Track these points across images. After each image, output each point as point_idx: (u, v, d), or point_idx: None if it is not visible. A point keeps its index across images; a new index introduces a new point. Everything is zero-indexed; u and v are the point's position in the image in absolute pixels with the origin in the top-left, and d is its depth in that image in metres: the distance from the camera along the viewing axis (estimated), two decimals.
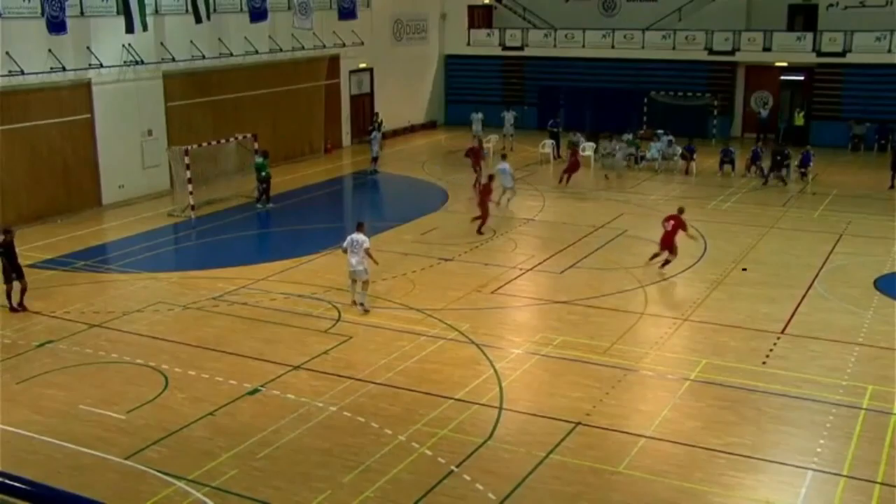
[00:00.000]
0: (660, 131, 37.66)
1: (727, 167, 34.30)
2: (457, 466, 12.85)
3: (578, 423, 14.18)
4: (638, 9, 46.38)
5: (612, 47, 45.12)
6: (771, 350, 17.25)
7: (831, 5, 43.59)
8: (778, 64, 43.35)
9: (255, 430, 13.92)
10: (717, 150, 35.53)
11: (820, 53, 41.78)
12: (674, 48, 43.98)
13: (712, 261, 23.21)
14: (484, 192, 26.28)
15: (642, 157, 36.04)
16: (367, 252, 18.94)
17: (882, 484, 12.54)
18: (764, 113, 42.90)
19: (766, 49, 42.72)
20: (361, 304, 19.10)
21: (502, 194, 28.24)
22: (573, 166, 31.87)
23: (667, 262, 22.31)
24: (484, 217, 25.71)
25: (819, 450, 13.51)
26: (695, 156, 35.07)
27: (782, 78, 43.82)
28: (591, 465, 12.96)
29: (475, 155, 32.12)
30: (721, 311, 19.54)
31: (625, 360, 16.68)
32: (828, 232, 25.98)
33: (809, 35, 42.28)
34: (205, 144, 29.29)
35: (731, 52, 43.27)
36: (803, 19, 44.19)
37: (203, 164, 29.21)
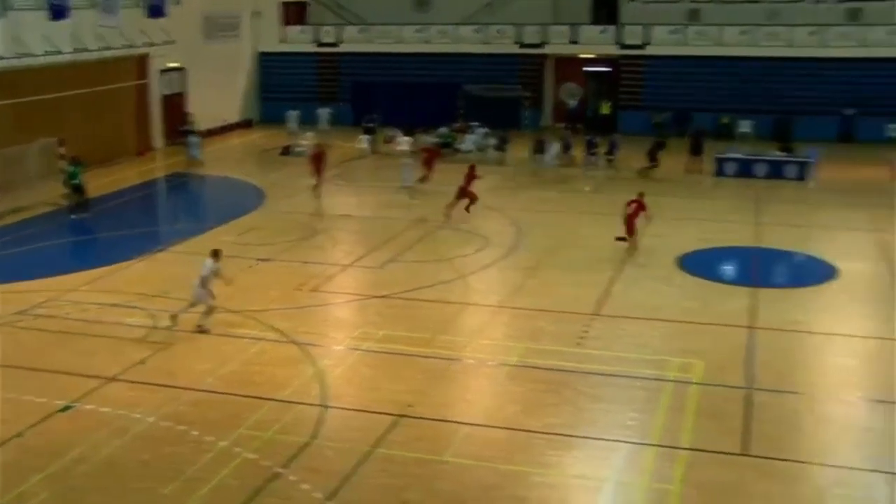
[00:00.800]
0: (475, 123, 38.42)
1: (539, 156, 35.36)
2: (282, 468, 12.79)
3: (403, 416, 14.35)
4: (450, 3, 47.06)
5: (427, 42, 45.69)
6: (585, 332, 17.94)
7: (632, 0, 45.58)
8: (584, 56, 44.98)
9: (69, 448, 13.40)
10: (530, 141, 36.56)
11: (622, 46, 43.64)
12: (486, 42, 44.94)
13: (528, 248, 23.90)
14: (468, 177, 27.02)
15: (458, 150, 36.69)
16: (204, 280, 17.79)
17: (687, 449, 13.30)
18: (572, 103, 44.42)
19: (573, 42, 44.28)
20: (200, 326, 17.99)
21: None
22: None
23: (622, 238, 23.44)
24: (472, 198, 26.54)
25: (630, 423, 14.18)
26: (508, 146, 36.04)
27: (589, 69, 45.49)
28: (417, 457, 13.15)
29: (318, 160, 30.67)
30: (538, 296, 20.17)
31: (446, 350, 16.98)
32: None
33: (612, 28, 44.10)
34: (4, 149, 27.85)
35: (540, 46, 44.59)
36: (606, 13, 45.99)
37: (5, 170, 27.77)
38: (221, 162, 37.14)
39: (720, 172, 33.35)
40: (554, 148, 33.58)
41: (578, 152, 35.34)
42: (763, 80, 41.38)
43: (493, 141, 36.70)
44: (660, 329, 18.11)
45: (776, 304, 19.75)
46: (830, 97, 40.47)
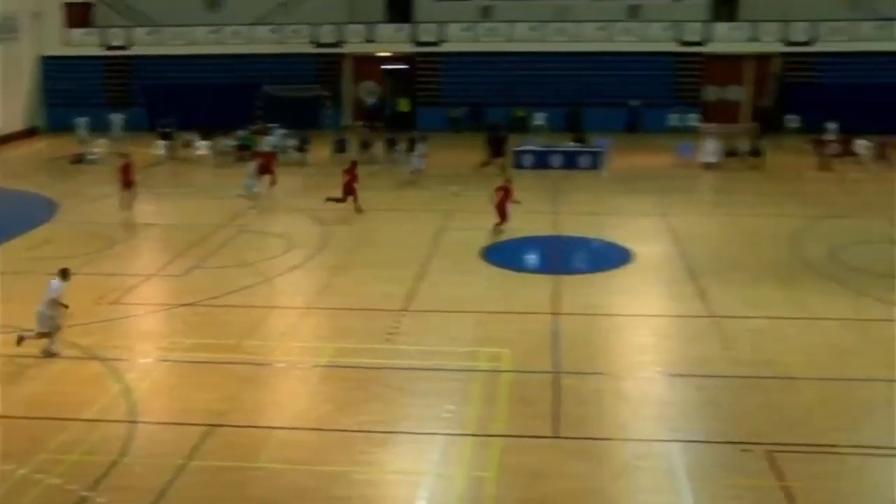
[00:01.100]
0: (273, 125, 37.99)
1: (340, 155, 35.35)
2: (89, 490, 12.21)
3: (214, 425, 14.01)
4: (243, 3, 46.29)
5: (221, 43, 44.78)
6: (395, 327, 18.05)
7: None
8: (381, 54, 45.29)
9: None
10: (331, 140, 36.48)
11: (418, 43, 44.21)
12: (282, 42, 44.49)
13: (333, 247, 23.86)
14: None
15: (257, 152, 36.11)
16: (53, 301, 16.61)
17: (501, 436, 13.62)
18: (372, 101, 44.65)
19: (370, 40, 44.49)
20: (46, 351, 16.78)
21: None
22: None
23: (498, 225, 24.65)
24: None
25: (446, 415, 14.38)
26: (309, 146, 35.86)
27: (387, 67, 45.84)
28: (231, 465, 12.87)
29: (126, 171, 28.59)
30: (346, 295, 20.15)
31: (256, 355, 16.70)
32: (439, 210, 27.62)
33: (407, 26, 44.59)
34: None
35: (337, 45, 44.59)
36: (401, 11, 46.46)
37: None
38: (4, 173, 35.09)
39: (517, 164, 34.30)
40: (420, 148, 33.31)
41: (379, 149, 35.54)
42: (554, 74, 42.91)
43: (293, 142, 36.38)
44: (468, 321, 18.46)
45: (577, 289, 20.52)
46: (617, 89, 42.45)
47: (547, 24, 43.79)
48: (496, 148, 34.38)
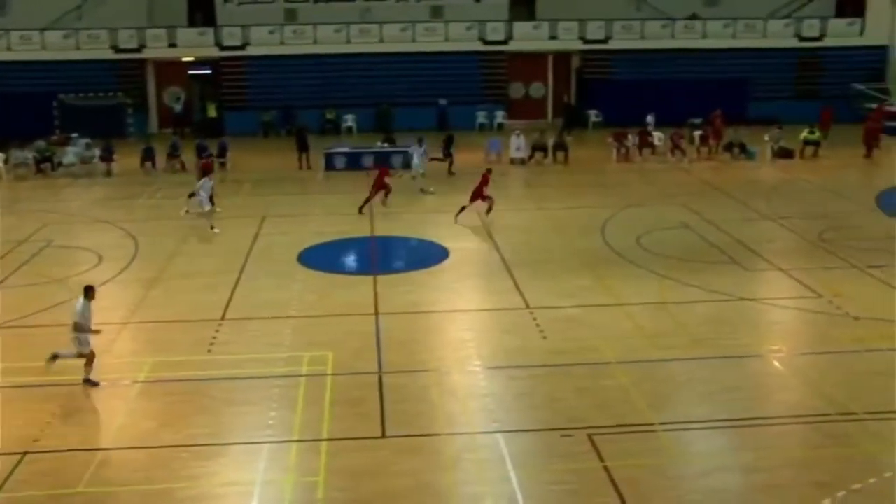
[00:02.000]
0: (74, 135, 36.42)
1: (148, 164, 34.31)
2: None
3: (26, 452, 13.34)
4: (31, 7, 43.96)
5: (8, 49, 42.52)
6: (214, 337, 17.71)
7: (227, 1, 45.41)
8: (185, 59, 44.19)
9: None
10: (139, 149, 35.33)
11: (222, 47, 43.40)
12: (78, 48, 42.70)
13: (146, 259, 23.13)
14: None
15: (59, 164, 34.61)
16: (74, 325, 15.55)
17: (328, 440, 13.62)
18: (178, 107, 43.51)
19: (172, 45, 43.33)
20: (87, 380, 15.71)
21: None
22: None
23: (489, 209, 26.15)
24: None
25: (271, 422, 14.24)
26: (115, 156, 34.60)
27: (191, 72, 44.77)
28: (49, 493, 12.29)
29: None
30: (163, 307, 19.60)
31: (68, 376, 15.94)
32: (252, 215, 27.24)
33: (211, 30, 43.70)
34: None
35: (138, 50, 43.20)
36: (203, 15, 45.47)
37: None
38: None
39: (329, 167, 34.25)
40: (418, 152, 32.13)
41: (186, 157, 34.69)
42: (362, 75, 43.08)
43: (97, 151, 35.00)
44: (288, 326, 18.31)
45: (397, 288, 20.72)
46: (425, 88, 43.06)
47: (351, 26, 43.86)
48: (302, 146, 34.30)
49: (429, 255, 23.36)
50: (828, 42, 45.53)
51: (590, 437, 13.64)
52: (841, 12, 47.00)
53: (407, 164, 34.19)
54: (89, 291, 15.88)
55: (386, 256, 23.96)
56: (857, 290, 20.37)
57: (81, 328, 15.54)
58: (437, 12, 45.47)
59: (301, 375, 15.93)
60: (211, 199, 26.66)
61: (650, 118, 38.42)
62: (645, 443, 13.58)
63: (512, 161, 35.31)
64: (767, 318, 19.22)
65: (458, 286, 21.15)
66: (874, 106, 40.93)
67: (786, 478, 12.64)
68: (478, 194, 26.44)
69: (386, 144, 35.91)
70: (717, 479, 12.63)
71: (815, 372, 16.06)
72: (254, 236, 25.00)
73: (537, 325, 18.37)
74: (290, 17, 45.16)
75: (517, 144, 35.62)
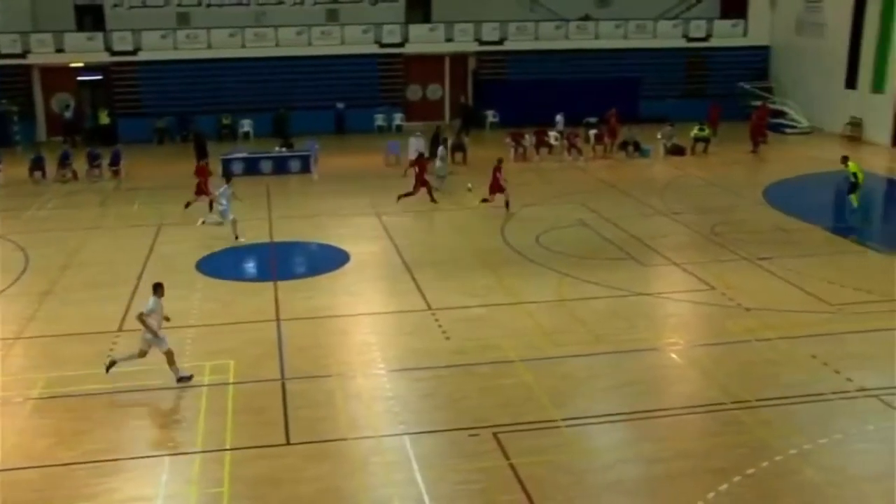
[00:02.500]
0: None
1: (37, 173, 33.32)
2: None
3: None
4: None
5: None
6: (111, 350, 17.27)
7: (116, 5, 44.40)
8: (74, 65, 43.03)
9: None
10: (27, 158, 34.29)
11: (113, 52, 42.41)
12: None
13: (38, 272, 22.45)
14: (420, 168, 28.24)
15: None
16: (139, 315, 15.65)
17: (232, 450, 13.46)
18: (68, 114, 42.33)
19: (59, 50, 42.13)
20: (181, 377, 15.80)
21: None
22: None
23: (506, 202, 27.25)
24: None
25: (173, 434, 14.03)
26: (1, 165, 33.54)
27: (80, 78, 43.61)
28: None
29: None
30: (56, 321, 19.07)
31: None
32: (148, 225, 26.69)
33: (100, 35, 42.66)
34: None
35: (23, 55, 41.86)
36: (92, 19, 44.36)
37: None
38: None
39: (227, 173, 33.72)
40: (441, 151, 32.34)
41: (80, 165, 33.80)
42: (258, 79, 42.61)
43: None
44: (188, 335, 17.99)
45: (298, 294, 20.57)
46: (323, 92, 42.83)
47: (246, 30, 43.32)
48: (200, 152, 33.73)
49: (329, 259, 23.26)
50: (714, 42, 46.86)
51: (495, 435, 13.79)
52: (725, 14, 48.41)
53: (306, 169, 34.04)
54: (158, 288, 15.97)
55: (286, 262, 23.74)
56: (748, 281, 21.05)
57: (147, 325, 15.51)
58: (332, 15, 45.28)
59: (202, 385, 15.70)
60: (211, 205, 26.60)
61: (559, 118, 38.99)
62: (549, 439, 13.80)
63: (411, 163, 35.32)
64: (664, 312, 19.70)
65: (360, 289, 21.12)
66: (759, 104, 42.29)
67: (685, 466, 13.00)
68: (496, 187, 27.60)
69: (284, 149, 35.60)
70: (619, 471, 12.92)
71: (710, 363, 16.53)
72: (150, 246, 24.50)
73: (440, 325, 18.48)
74: (183, 20, 44.36)
75: (416, 146, 35.66)
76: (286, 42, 43.20)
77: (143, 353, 15.82)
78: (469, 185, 30.33)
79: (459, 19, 44.97)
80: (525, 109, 41.23)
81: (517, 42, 44.99)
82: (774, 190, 30.59)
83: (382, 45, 44.00)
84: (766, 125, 39.02)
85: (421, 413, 14.79)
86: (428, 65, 45.50)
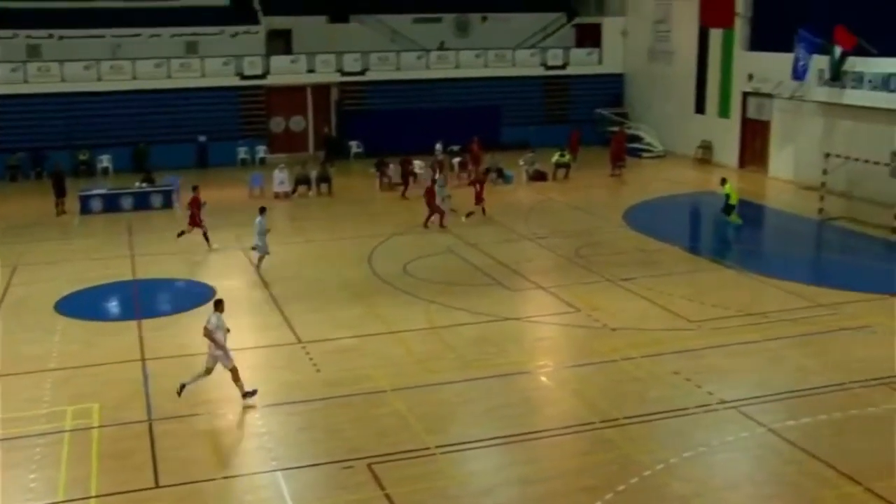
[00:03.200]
0: None
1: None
2: None
3: None
4: None
5: None
6: None
7: None
8: None
9: None
10: None
11: None
12: None
13: None
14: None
15: None
16: (204, 330, 16.03)
17: (96, 497, 12.99)
18: None
19: None
20: (246, 393, 16.07)
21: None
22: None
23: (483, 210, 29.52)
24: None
25: (32, 485, 13.43)
26: None
27: None
28: None
29: None
30: None
31: None
32: (2, 265, 25.57)
33: None
34: None
35: None
36: None
37: None
38: None
39: (86, 210, 32.73)
40: (440, 180, 31.65)
41: None
42: (115, 113, 41.49)
43: None
44: (48, 379, 17.32)
45: (163, 332, 20.08)
46: (183, 125, 42.03)
47: (101, 63, 42.17)
48: (59, 190, 32.60)
49: (195, 295, 22.76)
50: (571, 70, 48.15)
51: (369, 466, 13.74)
52: (581, 43, 49.91)
53: (168, 204, 33.33)
54: (219, 304, 16.43)
55: (150, 300, 23.12)
56: (612, 302, 21.64)
57: (216, 340, 15.80)
58: (192, 47, 44.52)
59: (64, 431, 15.11)
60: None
61: (438, 146, 39.26)
62: (424, 466, 13.82)
63: (276, 195, 35.05)
64: (532, 335, 20.04)
65: (228, 324, 20.67)
66: (616, 129, 43.67)
67: (560, 486, 13.23)
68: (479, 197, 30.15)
69: (145, 184, 34.74)
70: (496, 495, 13.05)
71: (578, 383, 16.90)
72: (4, 287, 23.50)
73: (310, 358, 18.33)
74: (33, 53, 42.82)
75: (280, 178, 35.42)
76: (144, 75, 42.22)
77: (209, 371, 16.12)
78: (464, 217, 30.21)
79: (320, 50, 44.95)
80: (389, 139, 41.47)
81: (379, 72, 45.24)
82: (633, 212, 31.58)
83: (244, 77, 43.52)
84: (624, 149, 40.27)
85: (294, 448, 14.60)
86: (290, 96, 45.21)
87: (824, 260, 27.71)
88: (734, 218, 29.15)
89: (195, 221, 27.51)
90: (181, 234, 27.50)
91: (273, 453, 14.29)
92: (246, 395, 16.08)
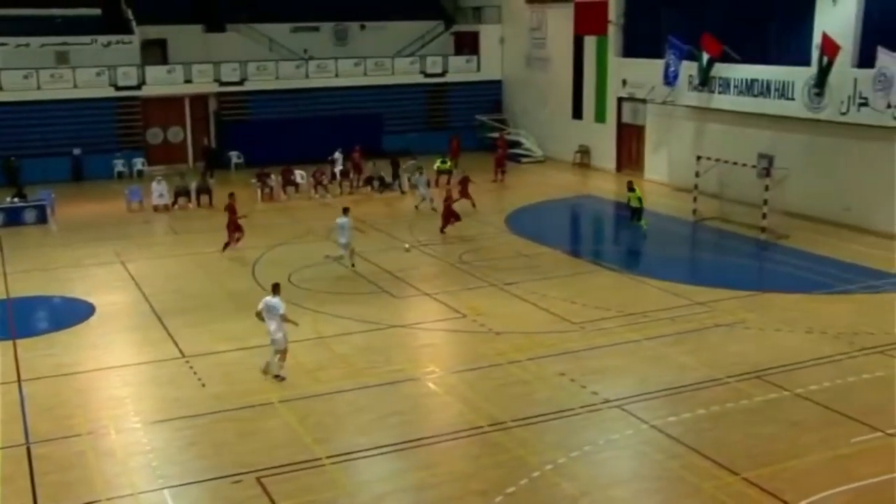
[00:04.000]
0: None
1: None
2: None
3: None
4: None
5: None
6: None
7: None
8: None
9: None
10: None
11: None
12: None
13: None
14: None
15: None
16: (283, 317, 17.39)
17: None
18: None
19: None
20: (277, 375, 17.51)
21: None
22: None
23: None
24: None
25: None
26: None
27: None
28: None
29: None
30: None
31: None
32: None
33: None
34: None
35: None
36: None
37: None
38: None
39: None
40: (422, 181, 32.96)
41: None
42: None
43: None
44: None
45: (39, 351, 19.44)
46: (56, 138, 40.77)
47: None
48: None
49: (73, 312, 22.12)
50: (450, 77, 48.58)
51: (259, 480, 13.62)
52: (459, 50, 50.40)
53: (42, 219, 32.26)
54: (277, 287, 17.82)
55: (25, 319, 22.32)
56: (497, 306, 21.95)
57: (290, 320, 17.58)
58: (62, 58, 43.13)
59: None
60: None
61: (338, 154, 39.02)
62: (315, 478, 13.78)
63: (155, 208, 34.33)
64: (419, 342, 20.17)
65: (108, 342, 20.22)
66: (497, 135, 44.25)
67: (451, 491, 13.36)
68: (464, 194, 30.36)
69: (17, 199, 33.53)
70: (388, 503, 13.08)
71: (466, 388, 17.09)
72: None
73: (195, 373, 18.05)
74: None
75: (159, 191, 34.70)
76: (11, 86, 40.73)
77: (284, 353, 17.48)
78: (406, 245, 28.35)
79: (197, 60, 44.23)
80: (270, 149, 41.11)
81: (258, 82, 44.76)
82: (515, 217, 32.08)
83: (118, 88, 42.43)
84: (506, 155, 40.82)
85: (181, 465, 14.35)
86: (167, 107, 44.30)
87: (699, 259, 28.69)
88: (644, 223, 29.31)
89: (234, 227, 27.61)
90: (227, 246, 27.58)
91: (159, 471, 14.02)
92: (277, 376, 17.49)
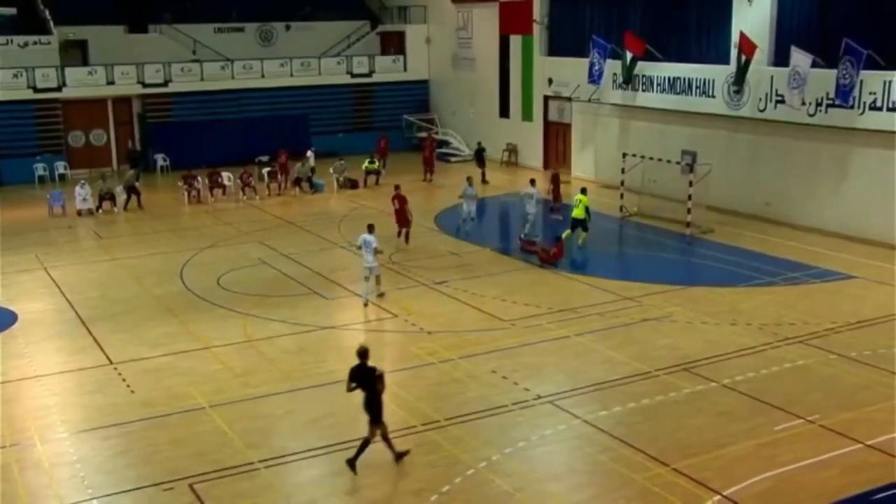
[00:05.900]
0: None
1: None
2: None
3: None
4: None
5: None
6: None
7: None
8: None
9: None
10: None
11: None
12: None
13: None
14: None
15: None
16: (376, 249, 21.80)
17: None
18: None
19: None
20: (380, 295, 22.19)
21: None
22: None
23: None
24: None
25: None
26: None
27: None
28: None
29: None
30: None
31: None
32: None
33: None
34: None
35: None
36: None
37: None
38: None
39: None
40: (470, 191, 30.32)
41: None
42: None
43: None
44: None
45: None
46: None
47: None
48: None
49: None
50: (377, 78, 48.50)
51: (191, 486, 13.47)
52: (385, 50, 50.34)
53: None
54: (372, 227, 22.27)
55: None
56: (428, 306, 22.00)
57: (378, 251, 22.01)
58: None
59: None
60: None
61: (310, 153, 38.60)
62: (247, 482, 13.67)
63: (79, 213, 33.65)
64: (351, 343, 19.95)
65: (31, 351, 19.77)
66: (425, 135, 44.32)
67: (387, 491, 13.39)
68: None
69: None
70: None
71: (398, 388, 17.08)
72: None
73: (123, 379, 17.76)
74: None
75: (82, 195, 34.00)
76: None
77: (380, 277, 22.18)
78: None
79: (120, 61, 43.43)
80: (196, 151, 40.60)
81: (182, 84, 44.13)
82: (444, 216, 32.16)
83: (37, 91, 41.47)
84: (434, 155, 40.89)
85: (110, 474, 14.11)
86: (89, 109, 43.40)
87: (627, 255, 29.11)
88: (581, 238, 27.33)
89: (403, 220, 27.96)
90: (399, 234, 28.02)
91: (87, 481, 13.77)
92: (382, 295, 22.16)
